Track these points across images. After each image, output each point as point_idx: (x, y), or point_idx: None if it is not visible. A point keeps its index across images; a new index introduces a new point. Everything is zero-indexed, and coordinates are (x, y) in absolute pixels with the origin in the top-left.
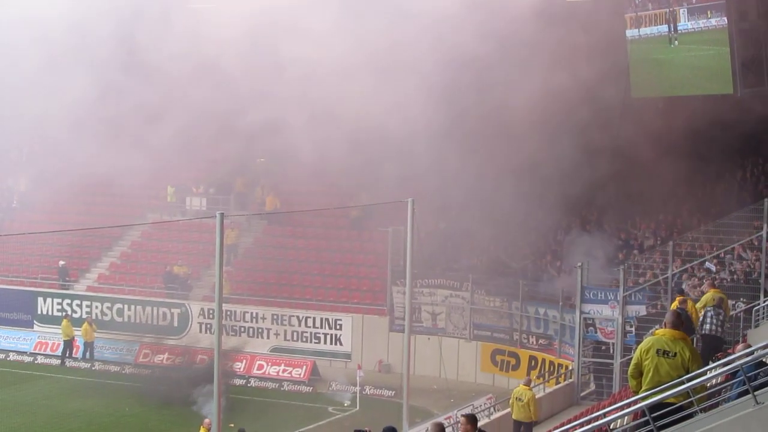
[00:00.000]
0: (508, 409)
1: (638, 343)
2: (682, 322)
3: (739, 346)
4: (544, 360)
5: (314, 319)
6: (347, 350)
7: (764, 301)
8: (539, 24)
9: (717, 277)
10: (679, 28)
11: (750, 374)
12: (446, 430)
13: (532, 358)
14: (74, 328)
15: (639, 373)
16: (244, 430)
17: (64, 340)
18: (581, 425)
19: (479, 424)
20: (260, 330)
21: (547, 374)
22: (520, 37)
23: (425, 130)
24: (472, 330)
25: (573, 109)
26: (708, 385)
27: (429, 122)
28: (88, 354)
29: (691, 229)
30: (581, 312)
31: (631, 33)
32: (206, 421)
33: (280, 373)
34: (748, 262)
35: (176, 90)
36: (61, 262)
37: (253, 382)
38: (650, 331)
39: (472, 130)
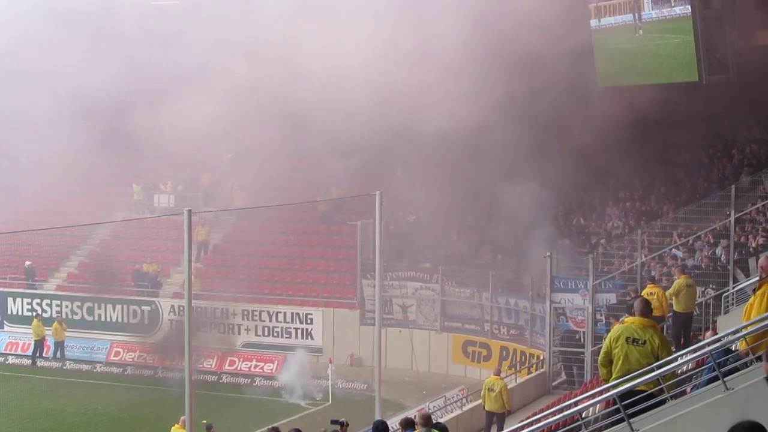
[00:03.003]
0: (480, 401)
1: (609, 331)
2: (651, 310)
3: (708, 333)
4: (515, 350)
5: (285, 313)
6: (318, 344)
7: (733, 288)
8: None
9: (686, 264)
10: (643, 16)
11: (719, 360)
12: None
13: (503, 348)
14: (45, 328)
15: (609, 362)
16: (212, 425)
17: (34, 340)
18: (553, 414)
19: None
20: (231, 326)
21: (518, 364)
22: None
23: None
24: (442, 322)
25: (540, 96)
26: (678, 372)
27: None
28: (58, 353)
29: (659, 216)
30: (551, 301)
31: (594, 23)
32: (182, 418)
33: (252, 369)
34: (716, 248)
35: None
36: (28, 263)
37: (224, 378)
38: (620, 319)
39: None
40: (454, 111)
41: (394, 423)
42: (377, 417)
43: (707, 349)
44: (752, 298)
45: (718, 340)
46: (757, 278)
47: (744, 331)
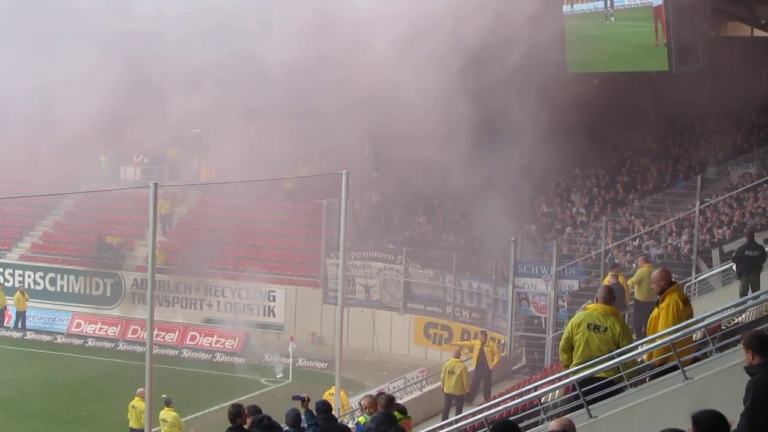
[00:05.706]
0: (440, 383)
1: (570, 317)
2: (614, 297)
3: None
4: (477, 334)
5: (248, 290)
6: (280, 322)
7: (696, 278)
8: None
9: (650, 253)
10: (615, 3)
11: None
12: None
13: (464, 331)
14: (6, 297)
15: (570, 348)
16: (170, 400)
17: None
18: (513, 398)
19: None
20: (193, 301)
21: None
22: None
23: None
24: (405, 303)
25: (506, 83)
26: (638, 360)
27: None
28: (20, 323)
29: (624, 205)
30: (514, 286)
31: (567, 9)
32: (139, 390)
33: (213, 344)
34: (680, 238)
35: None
36: None
37: (185, 353)
38: (582, 306)
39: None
40: (422, 102)
41: (354, 402)
42: (337, 397)
43: (667, 339)
44: (656, 310)
45: (678, 329)
46: (716, 270)
47: (659, 342)
